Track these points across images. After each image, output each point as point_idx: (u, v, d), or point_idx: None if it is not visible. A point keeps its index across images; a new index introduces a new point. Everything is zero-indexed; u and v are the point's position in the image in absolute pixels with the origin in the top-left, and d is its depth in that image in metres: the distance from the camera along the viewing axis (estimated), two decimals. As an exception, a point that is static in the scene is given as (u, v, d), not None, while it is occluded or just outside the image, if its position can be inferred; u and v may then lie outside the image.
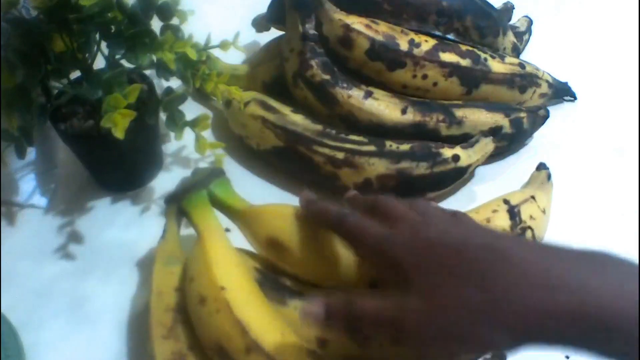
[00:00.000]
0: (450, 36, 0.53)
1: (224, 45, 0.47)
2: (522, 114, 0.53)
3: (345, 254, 0.39)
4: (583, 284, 0.27)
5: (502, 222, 0.43)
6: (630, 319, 0.26)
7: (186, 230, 0.43)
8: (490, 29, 0.55)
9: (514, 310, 0.27)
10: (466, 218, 0.34)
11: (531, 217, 0.44)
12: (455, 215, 0.34)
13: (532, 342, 0.27)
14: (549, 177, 0.48)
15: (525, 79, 0.55)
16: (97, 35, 0.43)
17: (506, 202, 0.44)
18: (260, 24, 0.60)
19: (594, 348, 0.26)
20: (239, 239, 0.42)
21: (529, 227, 0.40)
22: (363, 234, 0.34)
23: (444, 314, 0.29)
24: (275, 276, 0.40)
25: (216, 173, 0.44)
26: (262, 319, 0.36)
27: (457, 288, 0.29)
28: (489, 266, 0.29)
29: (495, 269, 0.28)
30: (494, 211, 0.43)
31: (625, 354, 0.26)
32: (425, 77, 0.51)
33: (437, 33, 0.53)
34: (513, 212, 0.43)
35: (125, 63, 0.44)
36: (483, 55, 0.53)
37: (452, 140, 0.50)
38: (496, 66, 0.53)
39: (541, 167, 0.49)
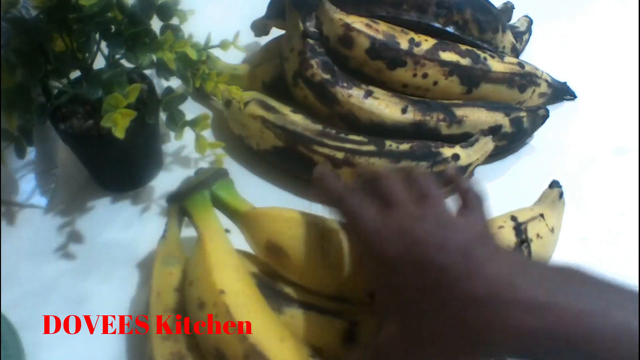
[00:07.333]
0: (450, 29, 0.53)
1: (224, 45, 0.47)
2: (522, 113, 0.53)
3: (345, 263, 0.38)
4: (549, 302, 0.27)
5: (507, 238, 0.41)
6: (595, 339, 0.26)
7: (186, 231, 0.43)
8: (490, 24, 0.55)
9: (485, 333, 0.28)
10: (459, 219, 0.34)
11: (538, 235, 0.42)
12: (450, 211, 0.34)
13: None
14: (560, 195, 0.46)
15: (524, 78, 0.55)
16: (97, 35, 0.43)
17: (513, 218, 0.42)
18: (259, 28, 0.60)
19: None
20: (238, 241, 0.42)
21: (528, 245, 0.39)
22: (358, 219, 0.34)
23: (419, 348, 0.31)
24: (272, 283, 0.40)
25: (220, 174, 0.44)
26: (261, 323, 0.35)
27: (431, 318, 0.30)
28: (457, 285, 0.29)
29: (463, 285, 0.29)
30: (500, 227, 0.42)
31: None
32: (425, 76, 0.51)
33: (437, 25, 0.53)
34: (519, 229, 0.42)
35: (125, 63, 0.44)
36: (482, 55, 0.53)
37: (452, 140, 0.50)
38: (496, 65, 0.53)
39: (554, 185, 0.46)
